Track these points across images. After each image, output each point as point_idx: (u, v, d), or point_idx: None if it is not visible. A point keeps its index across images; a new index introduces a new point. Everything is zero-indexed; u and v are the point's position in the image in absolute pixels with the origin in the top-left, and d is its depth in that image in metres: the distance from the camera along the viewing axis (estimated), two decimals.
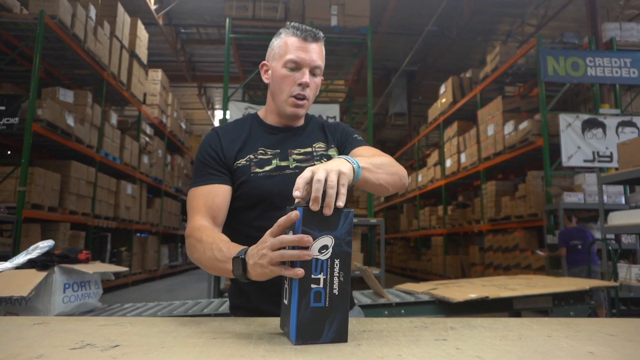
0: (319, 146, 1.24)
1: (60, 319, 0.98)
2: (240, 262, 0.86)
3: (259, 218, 1.14)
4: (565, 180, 6.94)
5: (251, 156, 1.18)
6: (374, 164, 0.99)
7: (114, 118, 8.95)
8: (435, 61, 12.96)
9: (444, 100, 11.03)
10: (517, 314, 2.21)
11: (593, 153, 6.59)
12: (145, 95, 10.55)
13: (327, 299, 0.76)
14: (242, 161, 1.18)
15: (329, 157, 1.22)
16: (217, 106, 18.13)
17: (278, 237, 0.79)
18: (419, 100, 15.28)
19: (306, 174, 0.80)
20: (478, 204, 9.56)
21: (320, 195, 0.77)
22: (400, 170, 1.10)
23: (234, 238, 1.20)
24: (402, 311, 2.12)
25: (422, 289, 2.37)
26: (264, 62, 1.28)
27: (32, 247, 2.08)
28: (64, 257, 2.06)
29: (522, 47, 8.80)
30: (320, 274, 0.76)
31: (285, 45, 1.19)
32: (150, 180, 10.88)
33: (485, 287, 2.26)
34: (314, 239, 0.76)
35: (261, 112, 1.32)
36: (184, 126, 13.99)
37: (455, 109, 10.36)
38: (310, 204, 0.76)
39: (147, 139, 10.85)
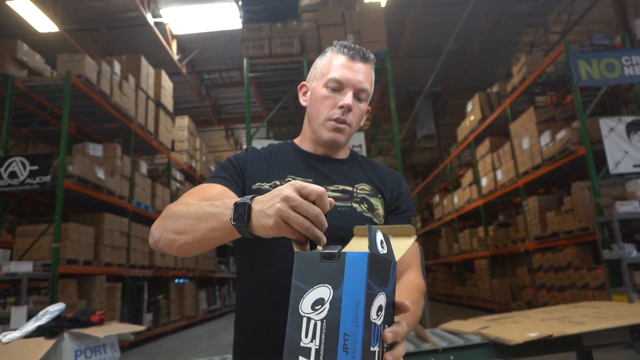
0: (362, 188, 1.04)
1: None
2: (245, 206, 0.69)
3: (275, 256, 0.94)
4: (615, 189, 6.42)
5: (277, 182, 1.00)
6: (414, 318, 0.90)
7: (143, 167, 9.10)
8: (459, 79, 12.72)
9: (472, 117, 10.71)
10: (587, 352, 1.89)
11: None
12: (173, 142, 10.76)
13: None
14: (266, 185, 0.99)
15: (371, 205, 1.02)
16: (245, 146, 18.37)
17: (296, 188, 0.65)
18: (446, 121, 14.97)
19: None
20: (521, 222, 9.04)
21: None
22: (423, 299, 1.00)
23: (244, 281, 1.01)
24: (451, 357, 1.84)
25: (472, 329, 2.08)
26: (303, 82, 1.12)
27: (42, 312, 1.95)
28: (74, 321, 1.92)
29: (549, 55, 8.47)
30: (376, 345, 0.57)
31: (329, 63, 1.03)
32: None
33: (545, 321, 1.95)
34: (374, 296, 0.56)
35: (297, 139, 1.15)
36: (213, 169, 14.17)
37: (486, 125, 10.01)
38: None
39: (178, 184, 10.99)
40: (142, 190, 8.71)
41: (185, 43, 10.99)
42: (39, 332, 1.90)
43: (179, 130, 11.19)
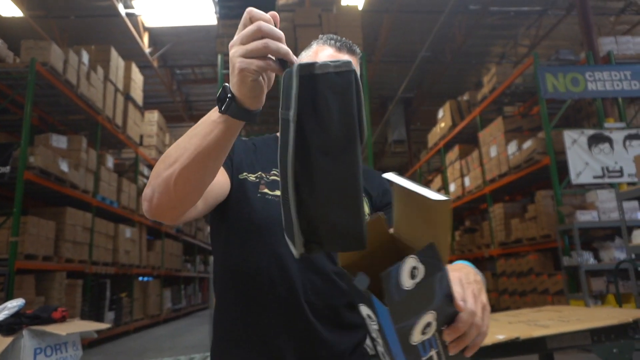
0: None
1: None
2: (222, 88, 0.68)
3: (254, 252, 0.92)
4: (576, 199, 6.70)
5: (263, 174, 0.98)
6: None
7: (110, 161, 8.83)
8: (431, 86, 12.96)
9: (442, 124, 10.93)
10: (549, 354, 1.96)
11: (602, 168, 6.38)
12: (141, 136, 10.48)
13: None
14: (251, 176, 0.97)
15: None
16: None
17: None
18: (417, 127, 15.22)
19: (466, 293, 0.61)
20: (487, 228, 9.28)
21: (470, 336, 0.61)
22: None
23: (223, 278, 0.98)
24: None
25: None
26: None
27: None
28: (34, 317, 1.83)
29: (518, 67, 8.75)
30: (430, 351, 0.59)
31: (316, 55, 1.01)
32: (150, 222, 10.67)
33: (512, 324, 2.01)
34: (411, 327, 0.56)
35: None
36: None
37: (455, 132, 10.24)
38: (452, 345, 0.60)
39: (146, 180, 10.71)
40: (107, 184, 8.44)
41: (158, 36, 10.75)
42: None
43: (148, 125, 10.92)
